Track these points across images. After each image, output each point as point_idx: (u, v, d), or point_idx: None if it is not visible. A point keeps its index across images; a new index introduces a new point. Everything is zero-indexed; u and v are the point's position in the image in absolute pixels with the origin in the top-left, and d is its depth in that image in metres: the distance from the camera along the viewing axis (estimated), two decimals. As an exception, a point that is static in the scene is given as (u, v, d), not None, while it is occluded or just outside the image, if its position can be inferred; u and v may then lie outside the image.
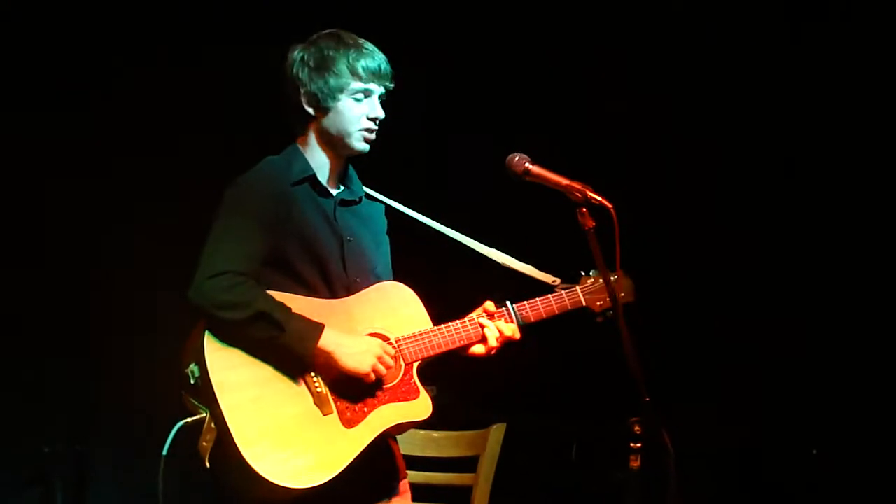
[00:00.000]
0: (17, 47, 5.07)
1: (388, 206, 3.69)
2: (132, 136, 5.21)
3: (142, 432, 4.29)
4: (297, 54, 3.52)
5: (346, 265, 3.49)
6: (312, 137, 3.54)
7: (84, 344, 5.09)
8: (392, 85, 3.53)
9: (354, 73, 3.45)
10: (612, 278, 3.41)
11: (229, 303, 3.23)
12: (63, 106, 5.13)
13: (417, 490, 4.15)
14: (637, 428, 3.05)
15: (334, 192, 3.57)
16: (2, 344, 5.10)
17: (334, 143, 3.53)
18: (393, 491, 3.60)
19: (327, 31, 3.55)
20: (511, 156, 3.32)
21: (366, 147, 3.54)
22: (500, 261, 3.70)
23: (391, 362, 3.40)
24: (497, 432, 4.16)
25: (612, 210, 3.09)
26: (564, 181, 3.21)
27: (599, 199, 3.13)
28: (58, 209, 5.12)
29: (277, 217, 3.39)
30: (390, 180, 3.76)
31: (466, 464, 4.19)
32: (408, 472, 4.01)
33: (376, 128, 3.53)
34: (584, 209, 3.13)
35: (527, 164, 3.29)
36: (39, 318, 5.09)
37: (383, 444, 3.47)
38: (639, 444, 3.05)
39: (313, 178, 3.50)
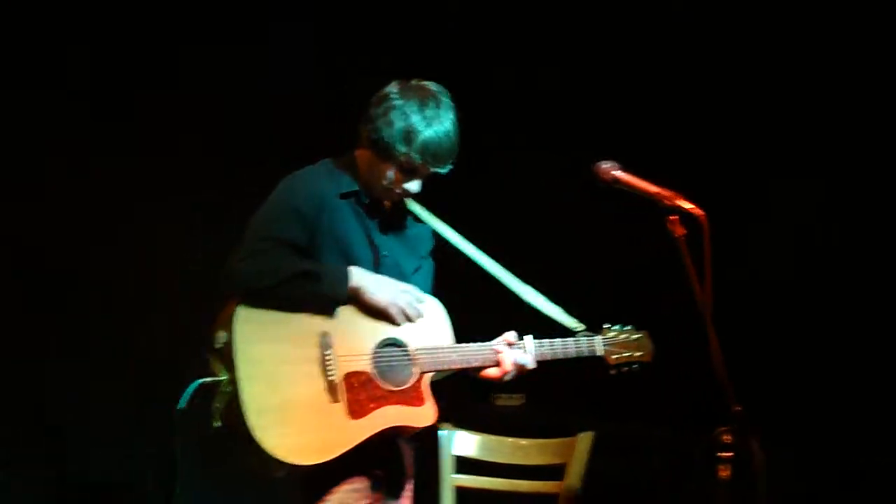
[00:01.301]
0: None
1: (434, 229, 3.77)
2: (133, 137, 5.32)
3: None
4: (389, 90, 3.56)
5: None
6: (366, 160, 3.60)
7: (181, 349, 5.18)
8: (448, 168, 3.56)
9: (412, 148, 3.49)
10: (634, 336, 3.75)
11: (266, 270, 3.40)
12: (60, 103, 5.22)
13: (503, 497, 4.16)
14: (726, 437, 3.03)
15: (379, 210, 3.65)
16: (111, 350, 5.21)
17: (369, 178, 3.60)
18: (399, 491, 3.71)
19: (425, 83, 3.57)
20: (599, 163, 3.30)
21: (386, 201, 3.64)
22: (529, 300, 3.78)
23: (415, 313, 3.55)
24: (585, 440, 4.14)
25: (702, 218, 3.07)
26: (654, 188, 3.19)
27: (690, 206, 3.11)
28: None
29: (317, 217, 3.51)
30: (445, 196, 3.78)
31: (553, 472, 4.18)
32: (494, 478, 4.05)
33: (402, 196, 3.61)
34: (674, 217, 3.11)
35: (615, 172, 3.27)
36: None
37: (395, 445, 3.63)
38: (728, 454, 3.03)
39: (358, 195, 3.59)
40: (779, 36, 5.45)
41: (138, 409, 5.16)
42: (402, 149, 3.48)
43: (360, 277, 3.49)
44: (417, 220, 3.73)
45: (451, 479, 4.18)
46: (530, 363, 3.67)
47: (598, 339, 3.75)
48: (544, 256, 5.13)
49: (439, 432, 4.18)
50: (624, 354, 3.75)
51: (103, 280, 5.32)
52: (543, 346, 3.69)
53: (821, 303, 5.36)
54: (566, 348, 3.71)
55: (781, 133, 5.49)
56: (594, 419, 4.70)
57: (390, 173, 3.53)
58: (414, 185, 3.57)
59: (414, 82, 3.57)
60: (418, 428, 3.56)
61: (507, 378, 3.66)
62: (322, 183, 3.56)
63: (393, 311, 3.53)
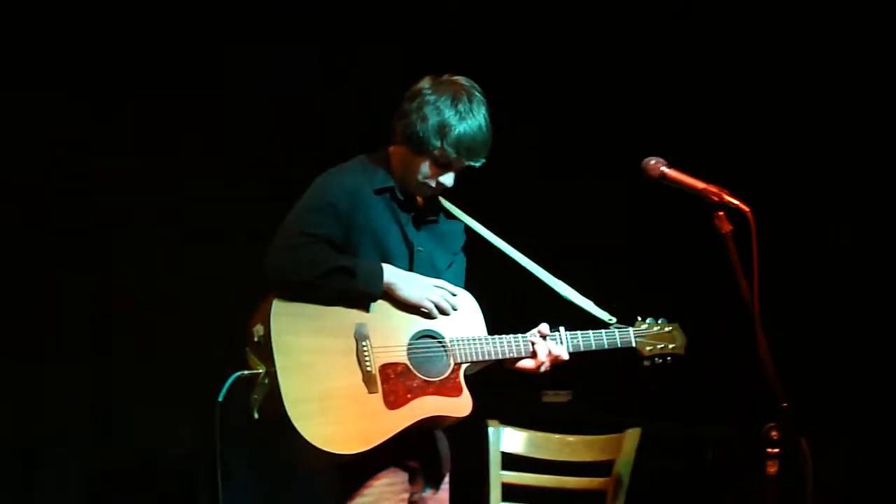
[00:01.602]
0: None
1: (466, 224, 3.79)
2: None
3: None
4: (423, 86, 3.60)
5: (413, 272, 3.63)
6: (401, 155, 3.63)
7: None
8: (481, 162, 3.59)
9: (446, 142, 3.52)
10: (667, 328, 3.82)
11: (299, 264, 3.44)
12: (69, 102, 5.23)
13: (551, 494, 4.17)
14: (774, 433, 3.01)
15: (413, 206, 3.67)
16: (156, 357, 5.25)
17: (404, 174, 3.63)
18: (437, 483, 3.73)
19: (457, 78, 3.61)
20: (647, 160, 3.30)
21: (421, 196, 3.67)
22: (562, 293, 3.81)
23: (447, 306, 3.59)
24: (632, 437, 4.14)
25: (749, 214, 3.06)
26: (701, 184, 3.18)
27: (737, 202, 3.10)
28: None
29: (352, 212, 3.55)
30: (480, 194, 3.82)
31: (601, 468, 4.18)
32: (542, 475, 4.05)
33: (437, 191, 3.64)
34: (721, 213, 3.11)
35: (663, 168, 3.27)
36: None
37: (431, 437, 3.65)
38: (776, 450, 3.02)
39: (393, 191, 3.62)
40: (819, 31, 5.42)
41: (182, 398, 5.19)
42: (437, 143, 3.52)
43: (393, 274, 3.53)
44: (450, 216, 3.76)
45: (499, 476, 4.19)
46: (564, 354, 3.69)
47: (631, 330, 3.79)
48: (580, 255, 5.14)
49: (488, 429, 4.20)
50: (658, 346, 3.80)
51: (149, 272, 5.35)
52: (577, 337, 3.72)
53: (870, 296, 5.33)
54: (599, 339, 3.74)
55: (825, 127, 5.47)
56: (641, 415, 4.71)
57: (425, 168, 3.56)
58: (448, 179, 3.59)
59: (446, 77, 3.61)
60: (456, 418, 3.57)
61: (542, 370, 3.68)
62: (358, 178, 3.60)
63: (427, 306, 3.57)
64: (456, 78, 3.61)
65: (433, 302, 3.57)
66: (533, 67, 5.94)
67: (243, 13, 5.47)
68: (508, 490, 4.19)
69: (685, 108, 5.73)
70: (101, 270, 5.29)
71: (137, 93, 5.31)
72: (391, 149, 3.66)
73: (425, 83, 3.59)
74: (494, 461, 4.21)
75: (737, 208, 3.08)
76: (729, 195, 3.11)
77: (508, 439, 4.25)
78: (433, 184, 3.60)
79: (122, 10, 5.27)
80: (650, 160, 3.29)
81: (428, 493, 3.70)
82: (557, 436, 4.28)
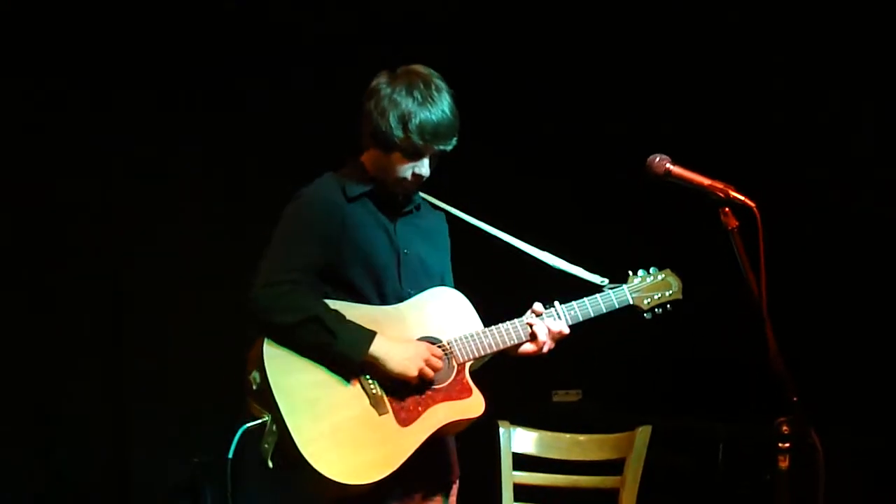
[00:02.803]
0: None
1: (447, 212, 3.75)
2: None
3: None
4: (378, 82, 3.54)
5: (402, 278, 3.57)
6: (372, 158, 3.57)
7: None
8: (451, 146, 3.52)
9: (409, 131, 3.46)
10: (660, 276, 3.75)
11: (284, 307, 3.35)
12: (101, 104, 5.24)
13: (563, 493, 4.18)
14: (785, 428, 3.02)
15: (393, 204, 3.61)
16: (165, 356, 5.25)
17: (380, 175, 3.57)
18: (446, 487, 3.67)
19: (412, 67, 3.55)
20: (651, 157, 3.29)
21: (403, 193, 3.60)
22: (550, 263, 3.77)
23: (439, 364, 3.48)
24: (643, 434, 4.15)
25: (755, 209, 3.07)
26: (706, 181, 3.18)
27: (742, 198, 3.10)
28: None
29: (333, 231, 3.47)
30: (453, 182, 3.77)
31: (612, 467, 4.18)
32: (554, 475, 4.05)
33: (416, 183, 3.57)
34: (728, 209, 3.11)
35: (668, 165, 3.27)
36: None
37: (438, 442, 3.55)
38: (787, 444, 3.02)
39: (371, 193, 3.57)
40: (827, 26, 5.42)
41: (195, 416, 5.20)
42: (400, 134, 3.45)
43: (381, 347, 3.41)
44: (432, 206, 3.72)
45: (511, 477, 4.20)
46: (565, 328, 3.63)
47: (625, 287, 3.73)
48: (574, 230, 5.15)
49: (499, 430, 4.20)
50: (655, 297, 3.75)
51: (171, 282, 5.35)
52: (573, 308, 3.66)
53: (879, 290, 5.33)
54: (596, 305, 3.68)
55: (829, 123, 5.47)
56: (652, 413, 4.71)
57: (397, 162, 3.50)
58: (423, 169, 3.53)
59: (400, 70, 3.55)
60: (471, 420, 3.53)
61: (545, 350, 3.62)
62: (331, 192, 3.54)
63: (413, 376, 3.44)
64: (411, 67, 3.55)
65: (419, 370, 3.45)
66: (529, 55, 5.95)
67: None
68: (520, 490, 4.19)
69: (687, 102, 5.72)
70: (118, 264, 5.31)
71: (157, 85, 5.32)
72: (363, 156, 3.60)
73: (381, 79, 3.54)
74: (506, 462, 4.22)
75: (743, 204, 3.09)
76: (734, 191, 3.12)
77: (519, 440, 4.25)
78: (409, 176, 3.53)
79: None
80: (655, 157, 3.29)
81: (437, 499, 3.65)
82: (568, 435, 4.28)
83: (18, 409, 5.08)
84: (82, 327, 5.23)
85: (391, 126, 3.46)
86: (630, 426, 4.20)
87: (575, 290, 3.71)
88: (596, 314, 3.69)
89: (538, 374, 3.67)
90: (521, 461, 4.22)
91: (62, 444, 5.17)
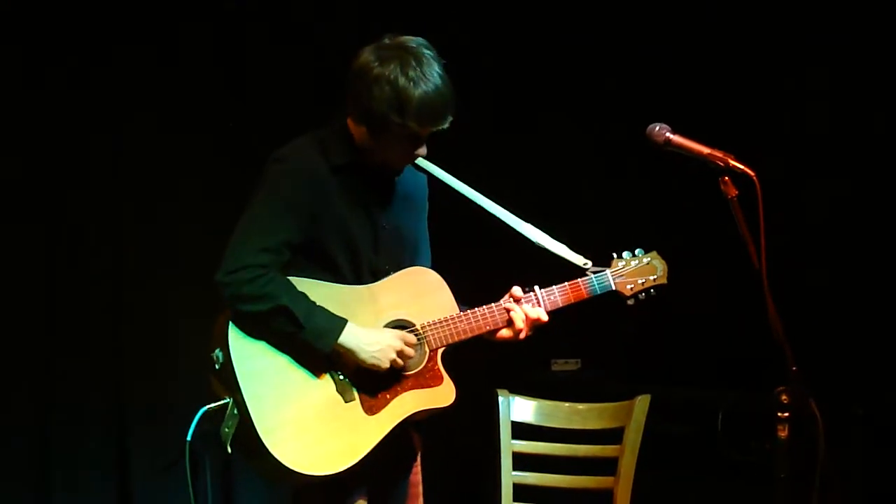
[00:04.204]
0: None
1: (430, 175, 3.59)
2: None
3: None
4: (367, 59, 3.32)
5: (379, 252, 3.45)
6: (361, 134, 3.39)
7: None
8: (447, 125, 3.34)
9: (406, 117, 3.28)
10: (645, 260, 3.64)
11: (250, 295, 3.24)
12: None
13: (563, 462, 4.18)
14: (785, 397, 3.02)
15: (376, 176, 3.46)
16: (168, 331, 5.24)
17: (369, 151, 3.41)
18: (407, 471, 3.60)
19: (401, 39, 3.33)
20: (651, 126, 3.29)
21: (392, 170, 3.47)
22: (533, 238, 3.63)
23: (411, 352, 3.39)
24: (642, 403, 4.14)
25: (754, 178, 3.06)
26: (706, 150, 3.17)
27: (742, 167, 3.10)
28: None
29: (314, 206, 3.33)
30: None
31: (611, 436, 4.19)
32: (553, 443, 4.04)
33: (410, 163, 3.46)
34: (727, 178, 3.10)
35: (668, 134, 3.26)
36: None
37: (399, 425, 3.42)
38: (786, 414, 3.02)
39: (353, 166, 3.40)
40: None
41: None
42: (397, 119, 3.27)
43: (351, 338, 3.31)
44: (415, 168, 3.54)
45: (510, 445, 4.20)
46: (543, 315, 3.53)
47: (608, 272, 3.61)
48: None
49: (498, 398, 4.20)
50: (638, 282, 3.62)
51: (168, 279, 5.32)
52: (554, 293, 3.55)
53: (880, 260, 5.32)
54: (577, 290, 3.57)
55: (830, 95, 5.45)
56: (651, 382, 4.71)
57: (391, 145, 3.35)
58: (420, 150, 3.39)
59: (388, 41, 3.33)
60: (441, 409, 3.44)
61: (522, 336, 3.52)
62: (314, 159, 3.37)
63: (384, 367, 3.34)
64: (400, 39, 3.33)
65: (390, 361, 3.34)
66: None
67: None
68: (519, 459, 4.19)
69: (687, 69, 5.70)
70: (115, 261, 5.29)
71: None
72: (349, 122, 3.41)
73: (369, 55, 3.31)
74: (505, 430, 4.21)
75: (742, 173, 3.08)
76: (734, 160, 3.11)
77: (518, 408, 4.24)
78: (404, 158, 3.41)
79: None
80: (655, 126, 3.28)
81: (401, 482, 3.58)
82: (567, 404, 4.27)
83: (17, 406, 5.10)
84: (82, 327, 5.22)
85: (386, 110, 3.27)
86: (629, 395, 4.19)
87: (557, 269, 3.61)
88: (577, 300, 3.58)
89: (537, 342, 3.62)
90: (520, 430, 4.22)
91: (60, 438, 5.18)
